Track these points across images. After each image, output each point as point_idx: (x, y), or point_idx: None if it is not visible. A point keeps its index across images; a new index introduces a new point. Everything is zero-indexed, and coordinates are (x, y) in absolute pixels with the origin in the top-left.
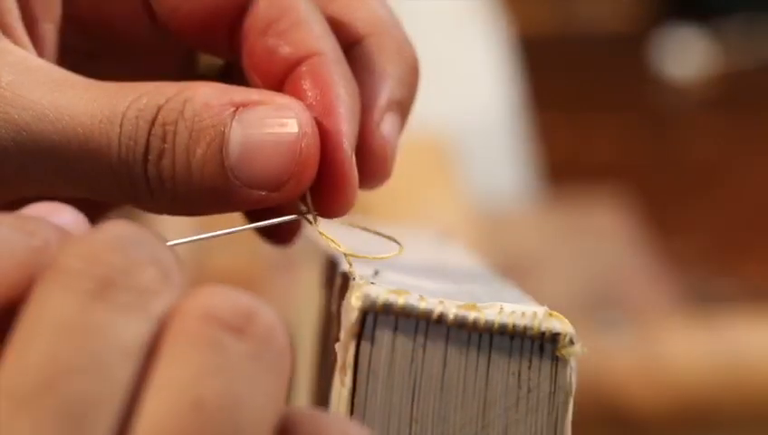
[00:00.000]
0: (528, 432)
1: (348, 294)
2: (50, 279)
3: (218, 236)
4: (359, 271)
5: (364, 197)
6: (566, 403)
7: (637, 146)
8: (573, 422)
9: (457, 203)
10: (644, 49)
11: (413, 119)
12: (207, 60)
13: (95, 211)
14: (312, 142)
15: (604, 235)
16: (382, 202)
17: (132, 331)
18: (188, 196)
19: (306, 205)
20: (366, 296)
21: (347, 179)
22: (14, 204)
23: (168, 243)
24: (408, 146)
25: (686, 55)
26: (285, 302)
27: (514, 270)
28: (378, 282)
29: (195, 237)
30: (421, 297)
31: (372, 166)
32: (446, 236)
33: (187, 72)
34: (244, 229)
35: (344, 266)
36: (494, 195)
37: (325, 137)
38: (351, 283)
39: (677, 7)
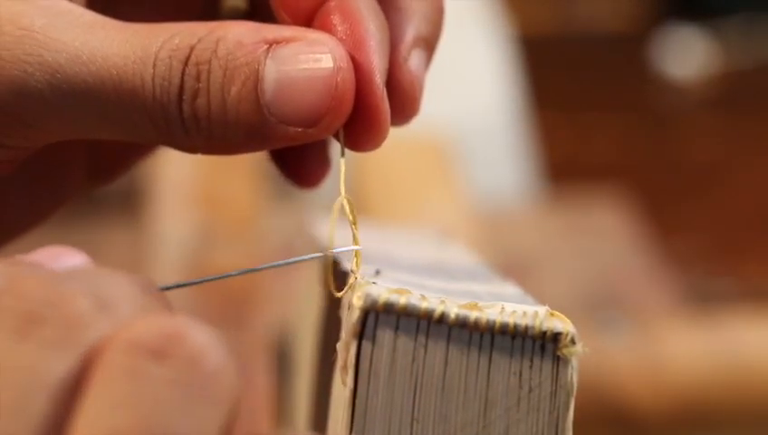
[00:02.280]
0: (529, 432)
1: (349, 294)
2: None
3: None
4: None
5: (364, 197)
6: (567, 403)
7: (637, 146)
8: (574, 422)
9: (458, 203)
10: (644, 49)
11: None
12: (231, 4)
13: (130, 153)
14: (347, 77)
15: (604, 235)
16: (383, 202)
17: (55, 367)
18: (224, 134)
19: (339, 140)
20: (367, 296)
21: (380, 113)
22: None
23: (161, 287)
24: (409, 146)
25: (686, 55)
26: (285, 301)
27: (515, 269)
28: (379, 281)
29: (188, 281)
30: (422, 297)
31: (402, 101)
32: (446, 236)
33: (210, 17)
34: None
35: (345, 265)
36: (494, 194)
37: (357, 71)
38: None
39: (677, 7)
